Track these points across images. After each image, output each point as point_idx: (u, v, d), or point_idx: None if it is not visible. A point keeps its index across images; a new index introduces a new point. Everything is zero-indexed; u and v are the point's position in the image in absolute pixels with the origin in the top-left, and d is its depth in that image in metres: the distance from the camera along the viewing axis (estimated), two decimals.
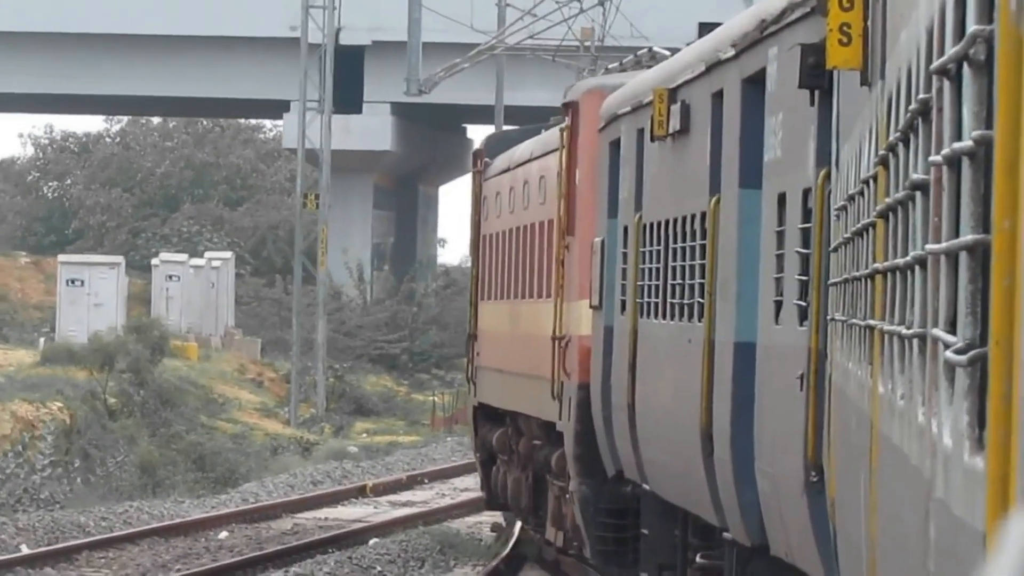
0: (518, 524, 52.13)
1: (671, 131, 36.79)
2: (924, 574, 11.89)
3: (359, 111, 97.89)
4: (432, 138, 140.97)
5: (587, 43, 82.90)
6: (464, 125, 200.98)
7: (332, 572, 48.27)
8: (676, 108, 36.40)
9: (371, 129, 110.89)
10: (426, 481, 73.90)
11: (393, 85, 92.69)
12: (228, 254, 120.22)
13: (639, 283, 40.13)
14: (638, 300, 39.79)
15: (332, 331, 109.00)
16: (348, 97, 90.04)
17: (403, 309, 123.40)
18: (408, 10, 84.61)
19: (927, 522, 11.46)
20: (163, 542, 54.68)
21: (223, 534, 57.42)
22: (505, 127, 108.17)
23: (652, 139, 39.47)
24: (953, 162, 10.34)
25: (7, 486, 61.07)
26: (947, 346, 10.08)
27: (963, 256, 9.64)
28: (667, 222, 37.99)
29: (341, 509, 65.13)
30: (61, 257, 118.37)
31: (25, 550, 50.05)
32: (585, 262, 48.62)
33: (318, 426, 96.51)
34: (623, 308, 41.98)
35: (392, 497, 69.48)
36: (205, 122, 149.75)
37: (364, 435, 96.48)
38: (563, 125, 52.95)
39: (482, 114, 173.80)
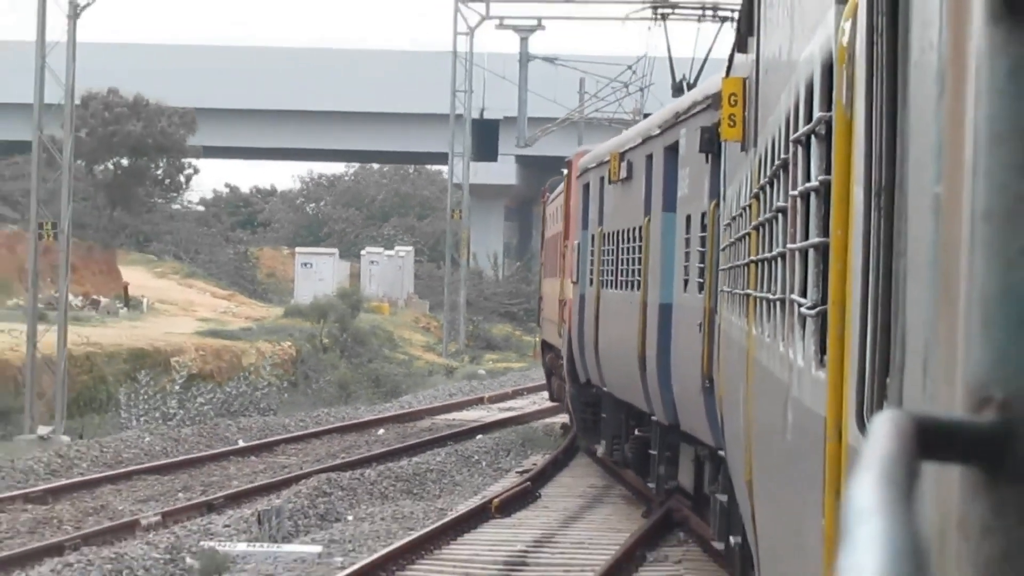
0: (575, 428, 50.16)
1: (621, 178, 40.32)
2: (783, 441, 12.58)
3: (495, 160, 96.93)
4: (539, 176, 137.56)
5: (633, 115, 79.68)
6: (561, 169, 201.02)
7: (442, 460, 45.19)
8: (624, 164, 39.77)
9: (502, 171, 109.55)
10: (525, 393, 71.56)
11: (514, 143, 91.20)
12: (410, 248, 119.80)
13: (601, 268, 43.75)
14: (600, 278, 43.55)
15: (475, 296, 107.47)
16: (487, 152, 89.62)
17: (521, 282, 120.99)
18: (518, 97, 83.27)
19: (786, 409, 12.17)
20: (339, 437, 54.41)
21: (381, 431, 55.24)
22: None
23: (609, 182, 42.63)
24: (804, 195, 11.25)
25: (239, 401, 58.53)
26: (801, 305, 10.95)
27: (811, 252, 10.53)
28: (618, 232, 40.95)
29: (465, 413, 63.26)
30: (298, 249, 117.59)
31: (241, 443, 47.21)
32: (572, 256, 52.15)
33: (459, 357, 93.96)
34: (591, 283, 45.47)
35: (501, 404, 67.76)
36: (407, 167, 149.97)
37: (490, 363, 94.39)
38: (566, 174, 54.50)
39: None
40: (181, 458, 44.49)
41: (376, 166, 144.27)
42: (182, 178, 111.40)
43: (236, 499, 37.95)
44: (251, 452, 47.71)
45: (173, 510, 35.77)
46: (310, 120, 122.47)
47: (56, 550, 30.16)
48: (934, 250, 2.96)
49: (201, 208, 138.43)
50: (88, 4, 48.87)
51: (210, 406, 57.12)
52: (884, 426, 1.99)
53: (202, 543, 31.30)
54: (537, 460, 47.80)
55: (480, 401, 71.35)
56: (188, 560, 29.78)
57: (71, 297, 79.77)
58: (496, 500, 38.16)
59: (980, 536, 2.05)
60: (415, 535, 32.42)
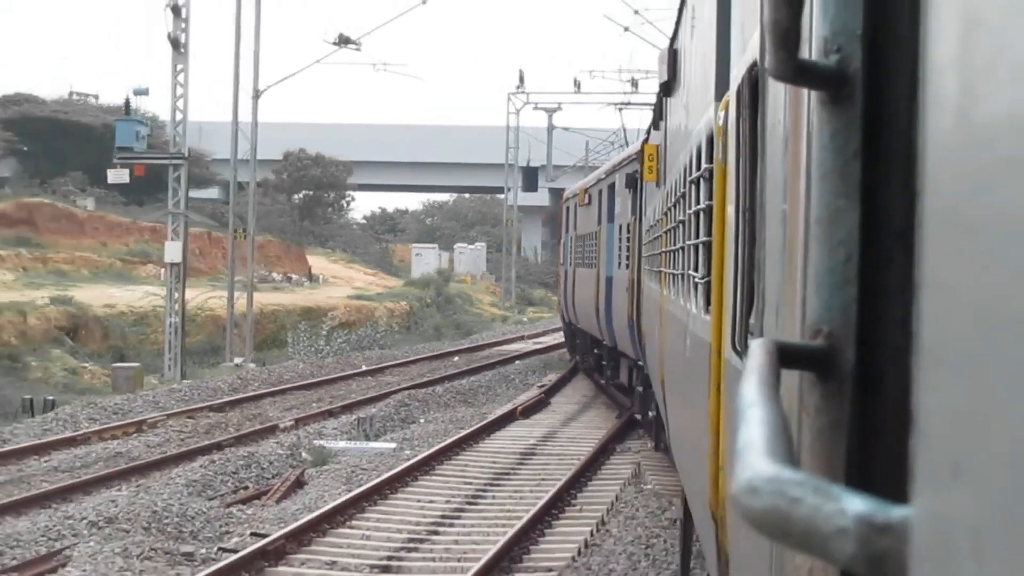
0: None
1: (585, 203, 40.80)
2: (683, 356, 12.39)
3: (535, 191, 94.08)
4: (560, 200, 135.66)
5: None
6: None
7: (490, 379, 42.53)
8: (587, 195, 40.58)
9: (539, 197, 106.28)
10: (550, 333, 68.44)
11: (546, 180, 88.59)
12: (484, 244, 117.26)
13: (575, 256, 43.59)
14: (575, 262, 43.52)
15: (522, 272, 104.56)
16: (530, 185, 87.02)
17: (551, 264, 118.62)
18: (547, 152, 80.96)
19: (685, 339, 12.17)
20: (427, 363, 50.62)
21: (456, 358, 51.81)
22: None
23: (579, 206, 42.79)
24: (696, 213, 10.88)
25: (367, 340, 55.53)
26: (694, 277, 10.84)
27: (701, 246, 10.36)
28: (584, 235, 41.30)
29: (511, 346, 60.40)
30: (413, 245, 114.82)
31: (363, 367, 43.70)
32: (560, 249, 55.36)
33: (511, 310, 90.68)
34: (570, 264, 45.22)
35: (533, 340, 63.87)
36: (485, 196, 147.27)
37: (530, 313, 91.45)
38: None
39: None
40: (321, 379, 41.32)
41: (467, 196, 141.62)
42: (344, 203, 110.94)
43: (349, 408, 34.73)
44: (368, 374, 44.25)
45: (304, 416, 32.89)
46: (426, 168, 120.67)
47: (216, 447, 27.14)
48: (782, 243, 3.04)
49: (362, 220, 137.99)
50: (265, 90, 44.98)
51: (347, 343, 53.62)
52: (758, 348, 2.03)
53: (315, 441, 28.64)
54: (552, 377, 44.09)
55: (521, 338, 67.01)
56: (304, 454, 27.06)
57: (275, 275, 77.49)
58: (520, 407, 35.40)
59: (815, 414, 2.16)
60: (462, 433, 29.78)
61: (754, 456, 1.42)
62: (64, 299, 48.67)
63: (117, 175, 42.04)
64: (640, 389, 28.96)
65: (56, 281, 56.09)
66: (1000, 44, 0.63)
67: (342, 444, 28.26)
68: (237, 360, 46.24)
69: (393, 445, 28.59)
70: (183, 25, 42.09)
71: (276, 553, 17.83)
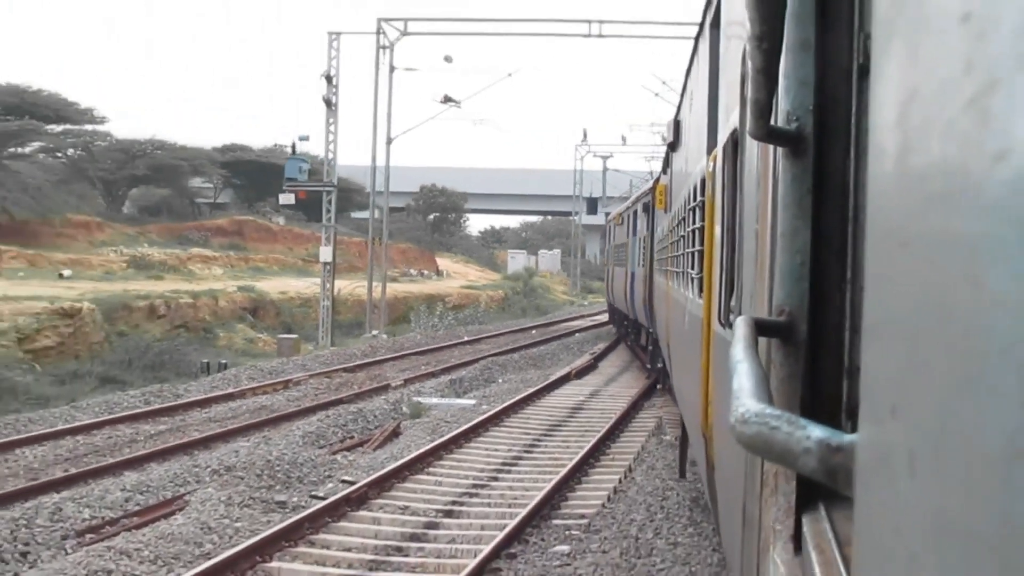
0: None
1: (620, 223, 38.21)
2: (683, 327, 11.49)
3: (596, 213, 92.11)
4: None
5: None
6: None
7: (555, 348, 39.94)
8: (621, 217, 37.68)
9: (599, 218, 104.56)
10: (603, 313, 65.43)
11: (603, 207, 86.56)
12: (559, 250, 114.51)
13: (612, 259, 41.67)
14: (612, 263, 41.57)
15: (585, 269, 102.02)
16: (592, 210, 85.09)
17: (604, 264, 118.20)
18: (603, 187, 78.92)
19: (685, 315, 11.11)
20: (511, 336, 46.96)
21: (534, 331, 48.42)
22: None
23: (616, 225, 40.26)
24: (693, 231, 10.27)
25: (470, 318, 52.87)
26: (692, 274, 10.22)
27: (696, 253, 9.68)
28: (618, 245, 39.01)
29: (574, 323, 56.88)
30: (509, 250, 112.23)
31: (465, 338, 40.89)
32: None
33: (576, 296, 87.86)
34: (609, 264, 43.88)
35: (590, 319, 60.31)
36: (562, 217, 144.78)
37: (589, 299, 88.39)
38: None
39: None
40: (432, 347, 38.21)
41: (548, 217, 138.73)
42: (462, 222, 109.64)
43: (447, 370, 31.72)
44: (468, 344, 40.99)
45: (411, 376, 29.66)
46: (520, 198, 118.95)
47: (338, 402, 24.30)
48: (755, 251, 2.96)
49: (477, 234, 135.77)
50: (394, 138, 42.07)
51: (455, 321, 50.52)
52: (741, 323, 2.02)
53: (414, 398, 25.35)
54: (600, 347, 40.61)
55: (581, 317, 63.14)
56: (404, 408, 23.97)
57: (412, 271, 74.93)
58: (574, 370, 31.86)
59: (779, 367, 2.09)
60: (528, 391, 26.44)
61: (744, 397, 1.49)
62: (248, 287, 46.35)
63: (286, 198, 40.06)
64: (650, 348, 29.10)
65: (253, 275, 54.14)
66: (931, 111, 0.65)
67: (434, 400, 25.13)
68: (374, 332, 43.42)
69: (473, 401, 25.39)
70: (333, 90, 39.60)
71: (359, 499, 14.85)
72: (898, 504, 0.71)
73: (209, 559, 11.06)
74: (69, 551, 11.45)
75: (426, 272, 79.67)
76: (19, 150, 57.19)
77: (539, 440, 20.77)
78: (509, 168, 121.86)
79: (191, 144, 71.11)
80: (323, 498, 14.60)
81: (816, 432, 1.23)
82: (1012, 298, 0.51)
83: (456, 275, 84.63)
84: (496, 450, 19.37)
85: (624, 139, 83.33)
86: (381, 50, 42.47)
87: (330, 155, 39.55)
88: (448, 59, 43.49)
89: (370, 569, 11.85)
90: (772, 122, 2.14)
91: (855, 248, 1.97)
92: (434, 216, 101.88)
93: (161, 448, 17.81)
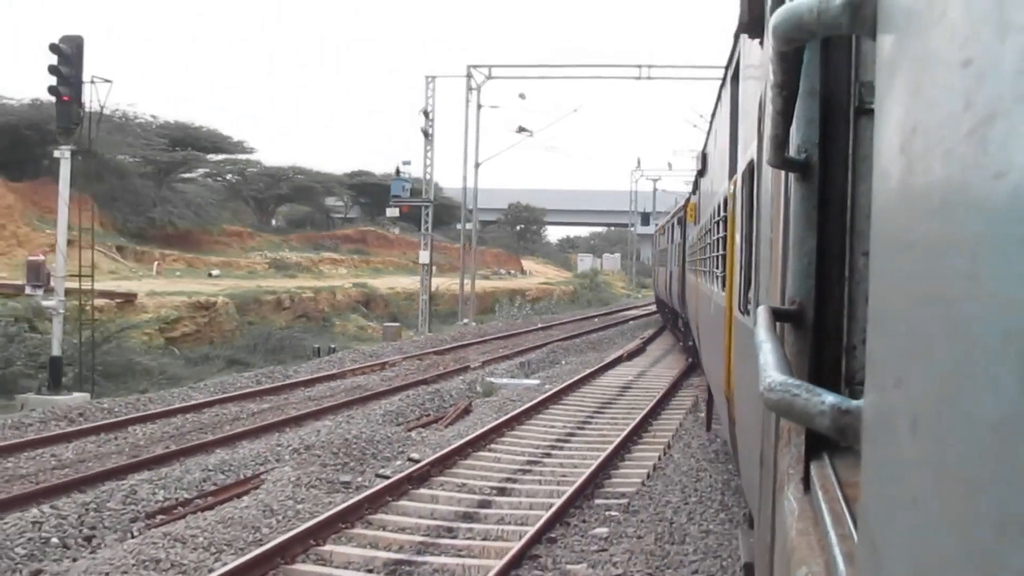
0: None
1: (662, 233, 35.46)
2: (709, 314, 11.01)
3: (648, 225, 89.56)
4: None
5: None
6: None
7: (612, 333, 37.35)
8: (663, 229, 34.62)
9: (651, 229, 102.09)
10: (653, 304, 62.77)
11: (653, 220, 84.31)
12: (619, 254, 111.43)
13: (658, 261, 38.57)
14: (657, 263, 38.36)
15: (641, 268, 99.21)
16: (645, 222, 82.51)
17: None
18: (653, 204, 76.48)
19: (711, 305, 10.44)
20: (577, 323, 43.63)
21: (596, 320, 45.39)
22: None
23: (659, 235, 37.86)
24: (718, 240, 9.40)
25: (545, 308, 50.60)
26: (717, 273, 9.40)
27: (720, 256, 8.84)
28: (661, 250, 36.59)
29: (630, 312, 53.75)
30: (580, 255, 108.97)
31: (539, 325, 38.54)
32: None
33: (633, 289, 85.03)
34: (654, 265, 41.91)
35: (642, 309, 57.44)
36: (622, 228, 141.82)
37: (642, 292, 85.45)
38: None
39: None
40: (509, 333, 36.01)
41: (612, 228, 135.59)
42: (542, 232, 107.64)
43: (520, 353, 29.42)
44: (541, 330, 38.36)
45: (488, 359, 27.54)
46: (588, 213, 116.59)
47: (421, 383, 21.97)
48: (769, 255, 2.83)
49: (555, 241, 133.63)
50: (481, 163, 39.97)
51: (532, 311, 48.18)
52: (762, 311, 1.96)
53: (487, 378, 23.16)
54: (649, 332, 37.92)
55: (636, 307, 59.74)
56: (477, 388, 21.72)
57: (501, 271, 72.95)
58: (625, 353, 29.28)
59: (791, 346, 2.00)
60: (585, 372, 23.96)
61: (770, 370, 1.47)
62: (362, 284, 44.44)
63: (391, 212, 38.01)
64: (683, 329, 27.59)
65: (371, 275, 52.42)
66: (932, 140, 0.63)
67: (504, 380, 22.85)
68: (465, 320, 41.29)
69: (538, 381, 23.05)
70: (430, 123, 37.56)
71: (420, 478, 12.68)
72: (902, 458, 0.69)
73: (260, 545, 8.96)
74: (134, 534, 9.44)
75: (512, 271, 77.37)
76: (186, 175, 56.47)
77: (591, 417, 18.37)
78: (580, 190, 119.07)
79: (324, 170, 70.54)
80: (388, 477, 12.47)
81: (829, 398, 1.25)
82: (1004, 292, 0.49)
83: (537, 274, 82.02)
84: (552, 427, 17.07)
85: (670, 165, 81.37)
86: (470, 91, 40.44)
87: (427, 176, 37.54)
88: (522, 96, 41.37)
89: (418, 553, 9.68)
90: (786, 153, 2.08)
91: (851, 253, 1.97)
92: (520, 227, 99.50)
93: (253, 427, 15.62)
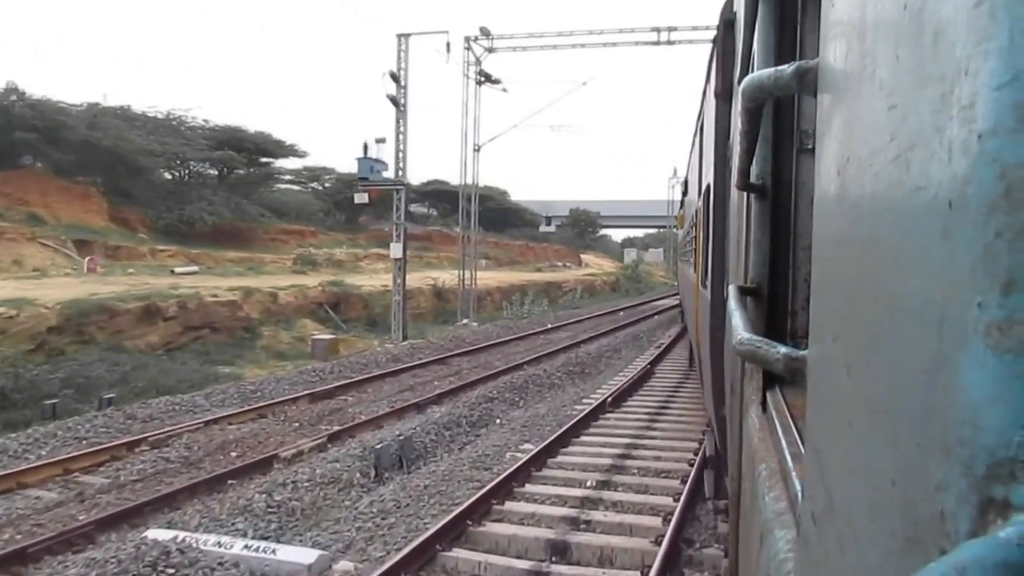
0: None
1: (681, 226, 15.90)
2: (688, 289, 9.99)
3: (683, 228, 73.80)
4: None
5: None
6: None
7: (635, 329, 22.58)
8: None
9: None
10: (675, 300, 46.08)
11: None
12: (661, 249, 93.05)
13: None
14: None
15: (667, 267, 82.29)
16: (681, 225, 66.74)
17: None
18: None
19: (688, 282, 9.79)
20: (602, 315, 30.02)
21: (621, 313, 32.22)
22: None
23: (677, 229, 15.40)
24: (694, 237, 8.11)
25: (582, 301, 34.73)
26: (700, 263, 7.23)
27: (696, 250, 7.47)
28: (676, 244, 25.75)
29: (660, 301, 38.39)
30: (627, 249, 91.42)
31: (552, 324, 22.67)
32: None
33: (670, 276, 68.07)
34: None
35: (664, 301, 40.38)
36: (660, 229, 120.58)
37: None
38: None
39: None
40: (496, 341, 20.13)
41: (654, 230, 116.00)
42: (597, 233, 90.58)
43: (450, 394, 13.43)
44: (540, 334, 22.04)
45: (338, 430, 11.36)
46: (637, 218, 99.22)
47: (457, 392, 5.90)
48: (736, 246, 2.47)
49: (618, 240, 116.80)
50: (482, 145, 23.66)
51: (549, 307, 31.67)
52: (732, 288, 1.90)
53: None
54: (673, 331, 21.33)
55: (669, 296, 42.83)
56: None
57: (558, 263, 57.10)
58: (614, 393, 12.62)
59: (751, 312, 1.84)
60: (490, 485, 8.37)
61: (739, 330, 1.39)
62: (337, 282, 27.72)
63: (360, 197, 21.66)
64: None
65: (423, 269, 37.25)
66: (861, 166, 0.59)
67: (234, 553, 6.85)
68: (464, 321, 25.35)
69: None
70: (402, 89, 21.41)
71: None
72: (839, 392, 0.66)
73: None
74: None
75: (569, 264, 61.67)
76: (271, 183, 44.50)
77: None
78: (631, 199, 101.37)
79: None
80: None
81: (783, 349, 1.19)
82: (919, 273, 0.47)
83: (593, 266, 65.48)
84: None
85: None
86: (468, 65, 24.11)
87: (400, 154, 21.53)
88: (505, 90, 24.72)
89: None
90: (749, 180, 1.99)
91: (794, 248, 1.90)
92: (578, 229, 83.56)
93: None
